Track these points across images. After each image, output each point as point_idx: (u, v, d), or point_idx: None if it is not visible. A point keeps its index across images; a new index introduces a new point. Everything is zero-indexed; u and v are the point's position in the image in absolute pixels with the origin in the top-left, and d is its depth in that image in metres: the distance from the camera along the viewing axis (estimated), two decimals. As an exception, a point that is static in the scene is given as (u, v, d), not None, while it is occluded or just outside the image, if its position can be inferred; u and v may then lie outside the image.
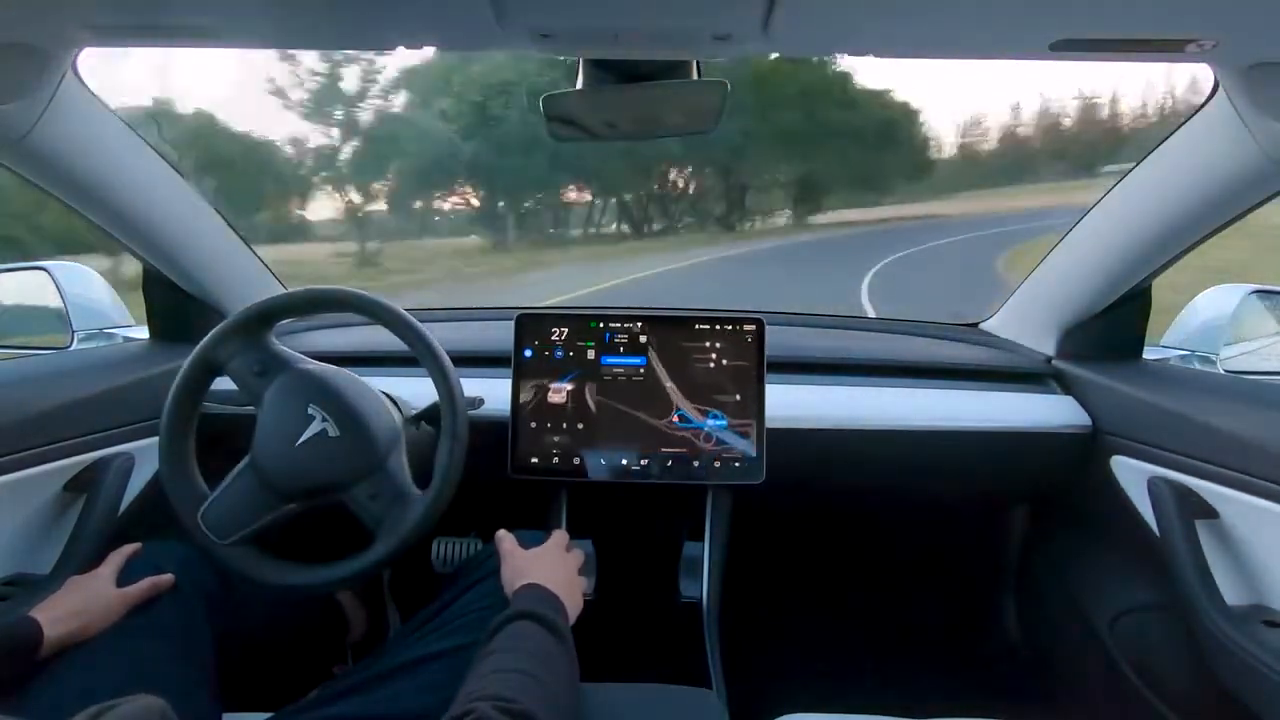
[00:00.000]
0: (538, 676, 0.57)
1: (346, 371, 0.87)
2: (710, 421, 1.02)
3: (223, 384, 0.87)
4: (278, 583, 0.80)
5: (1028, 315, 1.26)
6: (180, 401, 0.83)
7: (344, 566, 0.80)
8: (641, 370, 1.03)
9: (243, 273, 1.20)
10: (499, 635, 0.62)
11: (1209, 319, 1.20)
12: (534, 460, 1.03)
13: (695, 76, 0.73)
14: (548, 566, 0.74)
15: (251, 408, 0.83)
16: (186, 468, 0.83)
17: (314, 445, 0.79)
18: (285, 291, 0.90)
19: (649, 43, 0.65)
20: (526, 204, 17.23)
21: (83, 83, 0.81)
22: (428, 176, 15.87)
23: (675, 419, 1.02)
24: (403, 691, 0.69)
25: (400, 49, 0.67)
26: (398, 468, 0.82)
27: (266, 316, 0.86)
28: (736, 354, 1.03)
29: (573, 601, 0.72)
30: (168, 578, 0.75)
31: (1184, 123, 0.83)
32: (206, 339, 0.84)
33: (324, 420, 0.80)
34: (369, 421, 0.82)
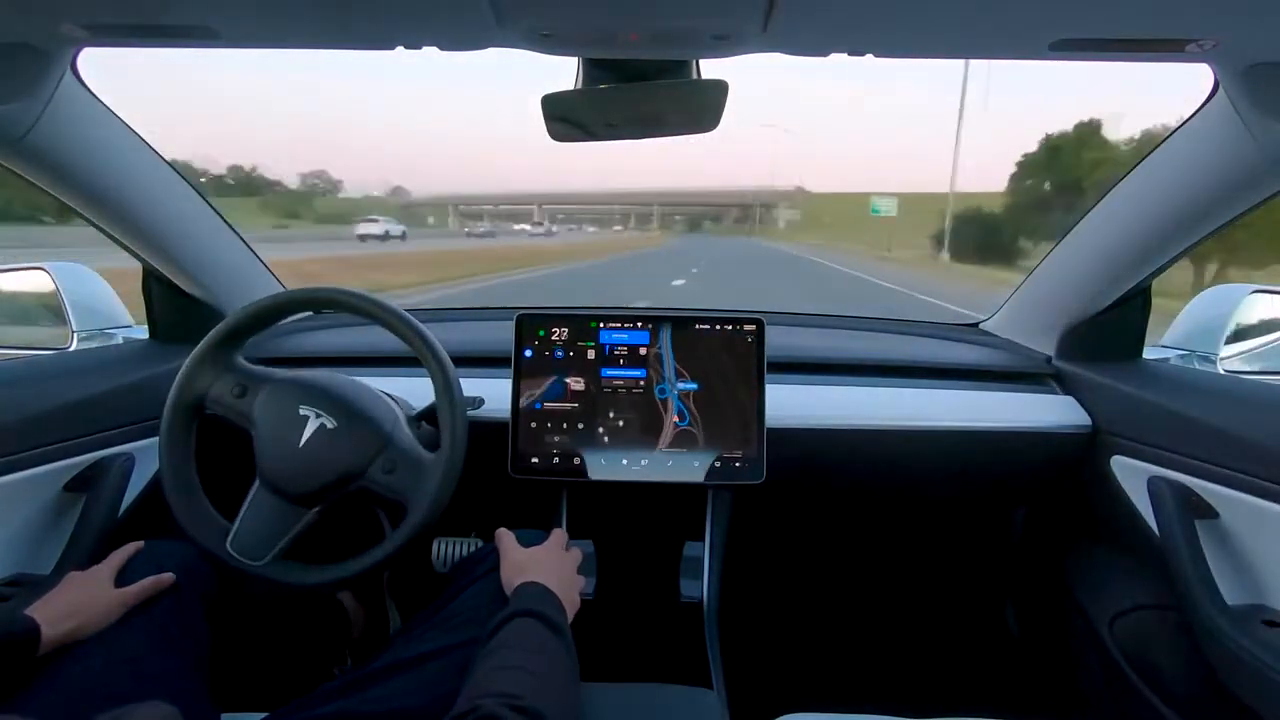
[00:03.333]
0: (541, 673, 0.57)
1: (326, 370, 0.87)
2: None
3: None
4: (322, 582, 0.80)
5: (1028, 315, 1.26)
6: (173, 443, 0.82)
7: (385, 545, 0.80)
8: (641, 372, 1.04)
9: (242, 273, 1.20)
10: (500, 633, 0.62)
11: (1209, 319, 1.20)
12: (534, 460, 1.02)
13: (695, 76, 0.73)
14: (546, 564, 0.74)
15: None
16: (199, 505, 0.82)
17: (317, 442, 0.79)
18: (266, 297, 0.85)
19: (649, 43, 0.65)
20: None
21: (82, 83, 0.81)
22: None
23: (675, 418, 1.02)
24: (401, 688, 0.68)
25: (400, 49, 0.67)
26: (404, 438, 0.83)
27: (233, 334, 0.84)
28: (736, 354, 1.03)
29: (570, 599, 0.73)
30: (167, 577, 0.75)
31: (1184, 123, 0.83)
32: (178, 378, 0.82)
33: (319, 416, 0.80)
34: (363, 405, 0.82)
